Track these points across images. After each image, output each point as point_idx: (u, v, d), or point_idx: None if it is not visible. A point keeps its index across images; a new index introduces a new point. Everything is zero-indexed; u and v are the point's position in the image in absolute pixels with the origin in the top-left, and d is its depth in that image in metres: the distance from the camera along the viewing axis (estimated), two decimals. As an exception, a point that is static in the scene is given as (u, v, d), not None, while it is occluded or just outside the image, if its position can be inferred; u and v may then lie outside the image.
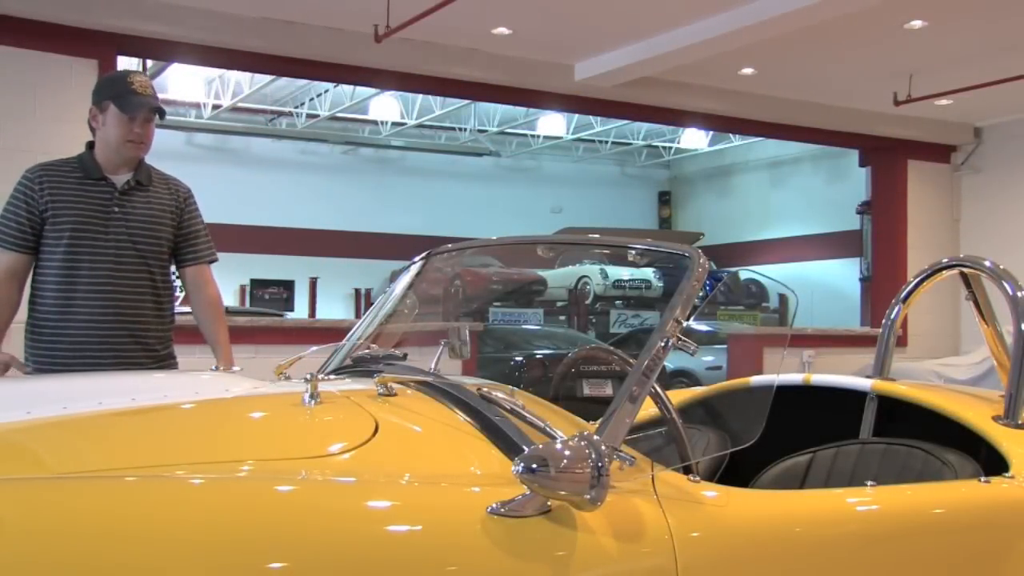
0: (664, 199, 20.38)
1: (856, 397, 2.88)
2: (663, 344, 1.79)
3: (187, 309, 3.50)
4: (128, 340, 3.21)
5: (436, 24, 7.01)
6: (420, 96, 14.30)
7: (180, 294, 3.80)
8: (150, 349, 3.27)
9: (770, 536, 1.83)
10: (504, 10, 7.40)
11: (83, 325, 3.16)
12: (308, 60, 7.86)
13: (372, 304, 3.36)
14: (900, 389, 2.79)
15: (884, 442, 2.56)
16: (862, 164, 11.40)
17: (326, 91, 14.29)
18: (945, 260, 2.95)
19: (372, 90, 13.17)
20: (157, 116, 3.29)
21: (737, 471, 2.48)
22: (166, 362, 3.34)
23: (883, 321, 3.14)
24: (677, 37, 7.67)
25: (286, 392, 2.07)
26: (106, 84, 3.33)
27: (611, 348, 3.11)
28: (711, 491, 1.84)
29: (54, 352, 3.18)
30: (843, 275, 15.19)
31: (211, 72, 13.24)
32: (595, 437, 1.58)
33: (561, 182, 19.08)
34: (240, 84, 13.59)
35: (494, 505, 1.53)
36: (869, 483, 2.10)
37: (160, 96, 3.40)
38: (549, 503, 1.55)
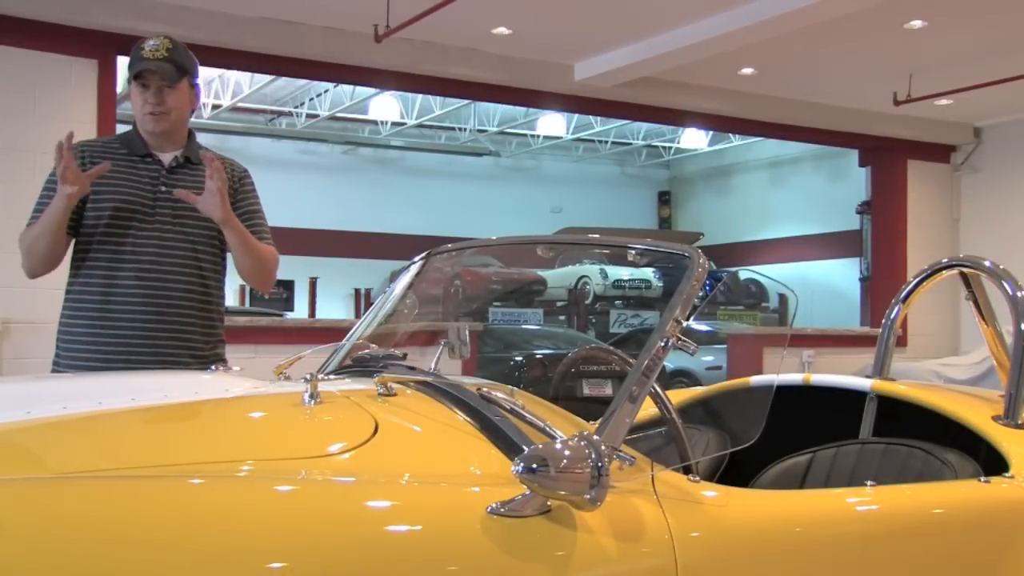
0: (664, 199, 20.37)
1: (856, 397, 2.88)
2: (663, 344, 1.79)
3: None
4: (170, 337, 2.93)
5: (436, 24, 7.01)
6: (420, 96, 14.28)
7: None
8: (193, 347, 2.98)
9: (770, 536, 1.83)
10: (504, 10, 7.39)
11: (123, 318, 2.89)
12: (308, 60, 7.86)
13: (372, 304, 3.35)
14: (900, 389, 2.79)
15: (884, 442, 2.56)
16: (862, 164, 11.40)
17: (326, 91, 14.27)
18: (945, 260, 2.95)
19: (372, 90, 13.15)
20: (185, 81, 2.94)
21: (737, 471, 2.48)
22: (212, 362, 3.00)
23: (883, 321, 3.14)
24: (677, 37, 7.67)
25: (286, 392, 2.06)
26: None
27: (611, 348, 3.11)
28: (711, 491, 1.84)
29: (92, 348, 2.90)
30: (843, 275, 15.19)
31: (211, 72, 13.21)
32: (595, 437, 1.58)
33: (561, 182, 19.07)
34: (240, 84, 13.57)
35: (494, 505, 1.53)
36: (869, 483, 2.10)
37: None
38: (549, 503, 1.55)
